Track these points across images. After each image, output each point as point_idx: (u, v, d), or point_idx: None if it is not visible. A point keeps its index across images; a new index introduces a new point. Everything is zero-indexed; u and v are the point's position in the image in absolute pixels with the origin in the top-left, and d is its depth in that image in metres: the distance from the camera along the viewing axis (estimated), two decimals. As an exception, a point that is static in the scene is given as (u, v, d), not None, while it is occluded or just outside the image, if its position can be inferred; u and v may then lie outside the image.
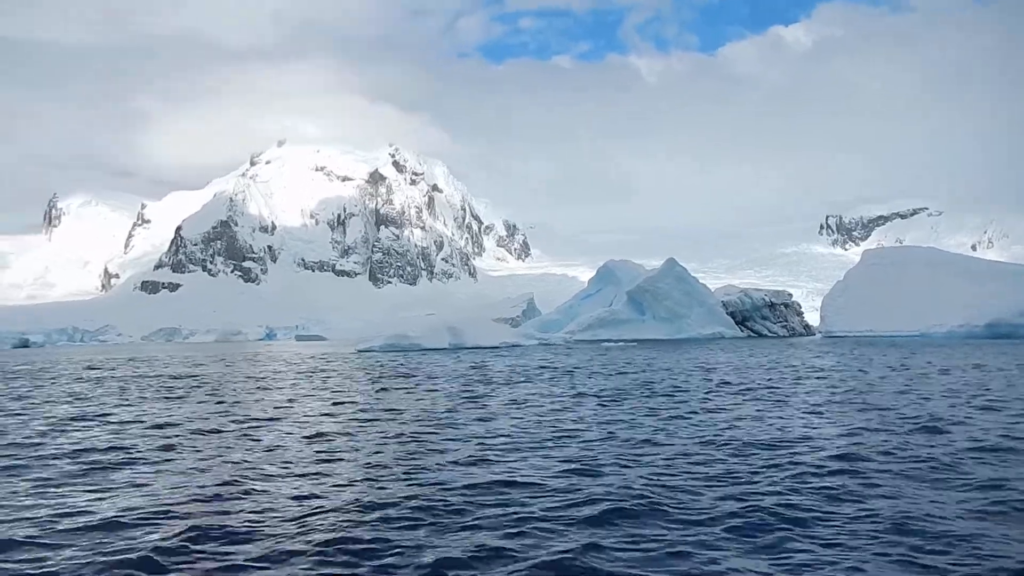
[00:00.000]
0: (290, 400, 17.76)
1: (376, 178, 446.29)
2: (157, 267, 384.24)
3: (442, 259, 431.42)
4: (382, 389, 20.47)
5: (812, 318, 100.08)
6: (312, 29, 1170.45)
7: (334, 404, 16.60)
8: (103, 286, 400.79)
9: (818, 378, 22.03)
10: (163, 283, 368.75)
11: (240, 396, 19.22)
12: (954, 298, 71.83)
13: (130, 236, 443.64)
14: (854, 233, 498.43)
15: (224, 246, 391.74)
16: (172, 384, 24.10)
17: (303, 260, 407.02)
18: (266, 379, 26.20)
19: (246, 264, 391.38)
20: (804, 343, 61.17)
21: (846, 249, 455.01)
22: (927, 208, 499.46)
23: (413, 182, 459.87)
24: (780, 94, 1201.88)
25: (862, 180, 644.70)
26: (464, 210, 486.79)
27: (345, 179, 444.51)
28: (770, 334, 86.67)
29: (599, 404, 15.61)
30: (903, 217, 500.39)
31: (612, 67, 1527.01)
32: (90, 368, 37.48)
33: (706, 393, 17.61)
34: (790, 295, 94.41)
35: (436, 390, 19.74)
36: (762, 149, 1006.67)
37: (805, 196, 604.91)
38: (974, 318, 66.44)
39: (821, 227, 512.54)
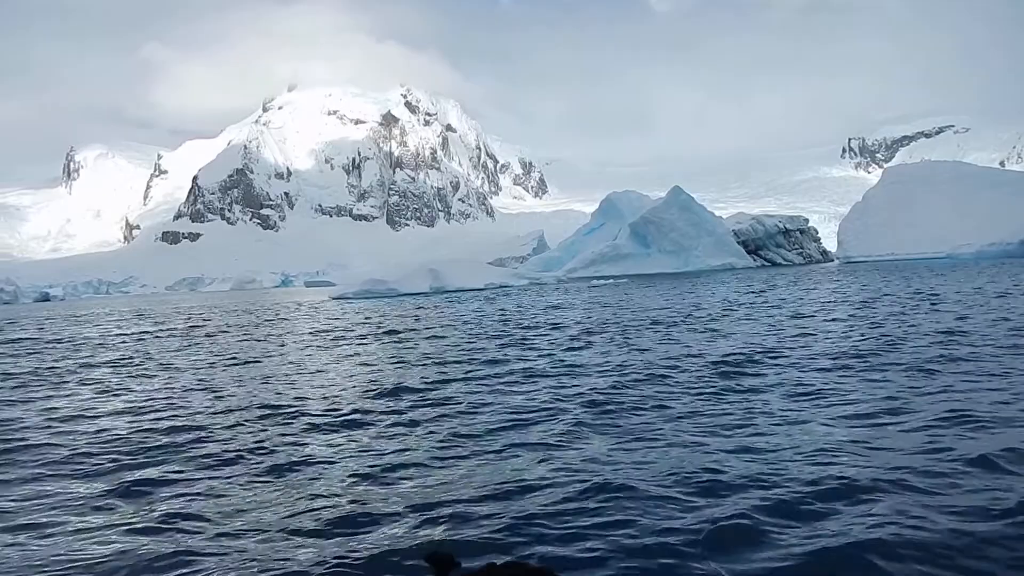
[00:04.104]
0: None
1: (389, 120, 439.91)
2: (176, 217, 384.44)
3: (459, 199, 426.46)
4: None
5: (832, 244, 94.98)
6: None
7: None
8: (125, 238, 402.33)
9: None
10: (183, 233, 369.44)
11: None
12: (984, 215, 66.52)
13: (148, 187, 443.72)
14: (877, 155, 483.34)
15: (241, 194, 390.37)
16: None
17: (320, 206, 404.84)
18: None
19: (264, 211, 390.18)
20: (807, 272, 56.34)
21: (869, 172, 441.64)
22: (953, 125, 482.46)
23: (427, 123, 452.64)
24: (797, 16, 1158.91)
25: (885, 100, 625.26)
26: (479, 149, 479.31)
27: (358, 122, 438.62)
28: (785, 262, 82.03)
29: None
30: (928, 136, 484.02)
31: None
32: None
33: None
34: (806, 220, 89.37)
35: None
36: (781, 74, 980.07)
37: (826, 119, 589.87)
38: (1008, 235, 61.12)
39: (843, 150, 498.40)
